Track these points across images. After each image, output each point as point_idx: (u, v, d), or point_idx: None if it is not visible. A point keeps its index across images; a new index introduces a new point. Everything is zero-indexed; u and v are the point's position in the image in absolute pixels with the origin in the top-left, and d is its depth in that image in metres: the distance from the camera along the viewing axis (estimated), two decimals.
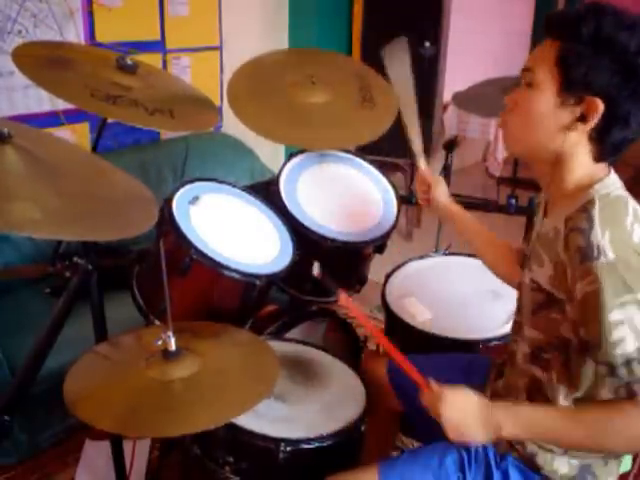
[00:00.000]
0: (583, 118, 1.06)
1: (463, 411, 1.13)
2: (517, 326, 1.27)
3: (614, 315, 1.00)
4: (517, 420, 1.12)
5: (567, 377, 1.14)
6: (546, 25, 1.09)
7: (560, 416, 1.11)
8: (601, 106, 1.03)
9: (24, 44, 1.67)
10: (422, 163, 1.63)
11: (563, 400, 1.15)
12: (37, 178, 1.11)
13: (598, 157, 1.10)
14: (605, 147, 1.09)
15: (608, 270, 0.99)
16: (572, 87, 1.05)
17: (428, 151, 3.86)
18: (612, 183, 1.10)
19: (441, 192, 1.58)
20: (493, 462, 1.24)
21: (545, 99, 1.08)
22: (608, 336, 1.01)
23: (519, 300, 1.27)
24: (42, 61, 1.49)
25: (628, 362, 1.01)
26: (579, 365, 1.10)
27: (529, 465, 1.21)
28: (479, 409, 1.13)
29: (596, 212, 1.03)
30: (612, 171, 1.13)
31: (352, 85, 1.83)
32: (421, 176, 1.61)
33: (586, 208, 1.05)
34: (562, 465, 1.18)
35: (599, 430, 1.07)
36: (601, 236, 1.01)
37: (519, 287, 1.28)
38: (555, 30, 1.07)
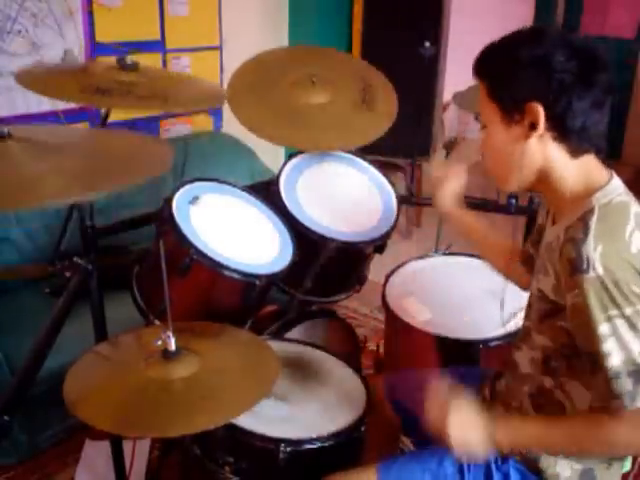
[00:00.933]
0: (533, 126, 1.10)
1: (466, 428, 1.15)
2: (525, 332, 1.27)
3: (602, 328, 1.01)
4: (510, 433, 1.15)
5: (582, 383, 1.14)
6: (473, 73, 1.19)
7: (544, 426, 1.14)
8: (539, 108, 1.08)
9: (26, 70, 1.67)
10: (434, 170, 1.64)
11: (580, 406, 1.15)
12: (46, 159, 1.12)
13: (573, 151, 1.11)
14: (572, 139, 1.10)
15: (595, 284, 1.00)
16: (509, 108, 1.12)
17: (428, 151, 3.87)
18: (614, 189, 1.10)
19: (446, 197, 1.57)
20: (494, 464, 1.23)
21: (496, 130, 1.15)
22: (598, 349, 1.02)
23: (528, 307, 1.27)
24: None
25: (617, 375, 1.02)
26: (588, 371, 1.09)
27: (531, 468, 1.21)
28: (480, 425, 1.15)
29: (593, 223, 1.03)
30: (615, 176, 1.13)
31: (353, 85, 1.83)
32: (434, 179, 1.62)
33: (585, 218, 1.05)
34: (564, 469, 1.18)
35: (579, 440, 1.11)
36: (593, 249, 1.01)
37: (529, 294, 1.28)
38: (476, 73, 1.18)
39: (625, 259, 1.01)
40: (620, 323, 1.01)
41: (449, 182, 1.58)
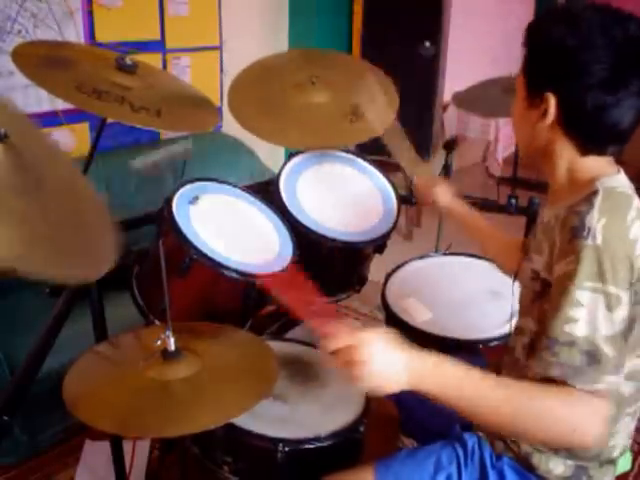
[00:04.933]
0: (545, 113, 1.10)
1: (386, 363, 1.02)
2: (517, 323, 1.28)
3: (580, 294, 0.99)
4: (440, 379, 1.03)
5: None
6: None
7: (487, 386, 1.02)
8: (552, 99, 1.07)
9: (25, 43, 1.68)
10: (416, 179, 1.66)
11: None
12: (24, 192, 0.96)
13: (583, 149, 1.11)
14: (582, 139, 1.10)
15: (590, 252, 0.99)
16: (532, 88, 1.12)
17: (428, 151, 3.87)
18: (620, 180, 1.11)
19: (442, 193, 1.59)
20: (489, 462, 1.24)
21: (519, 104, 1.17)
22: (566, 309, 0.99)
23: (520, 295, 1.27)
24: (41, 60, 1.49)
25: (571, 344, 0.98)
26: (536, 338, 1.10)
27: (524, 465, 1.20)
28: (405, 361, 1.02)
29: (598, 200, 1.03)
30: (622, 172, 1.13)
31: (353, 94, 1.82)
32: (419, 185, 1.67)
33: (589, 197, 1.05)
34: (557, 465, 1.18)
35: (513, 407, 1.00)
36: (597, 220, 1.00)
37: (520, 281, 1.28)
38: (523, 41, 1.15)
39: (623, 240, 1.01)
40: (599, 298, 0.98)
41: (440, 183, 1.59)
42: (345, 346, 1.02)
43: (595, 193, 1.05)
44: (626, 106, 1.05)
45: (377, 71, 1.91)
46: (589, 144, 1.11)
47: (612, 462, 1.21)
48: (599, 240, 0.99)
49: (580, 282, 0.99)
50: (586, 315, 0.99)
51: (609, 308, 0.99)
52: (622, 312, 1.00)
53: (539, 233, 1.19)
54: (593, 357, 0.98)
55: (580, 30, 1.04)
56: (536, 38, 1.11)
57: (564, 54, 1.05)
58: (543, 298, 1.12)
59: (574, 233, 1.01)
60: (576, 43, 1.04)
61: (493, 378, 1.03)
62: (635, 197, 1.09)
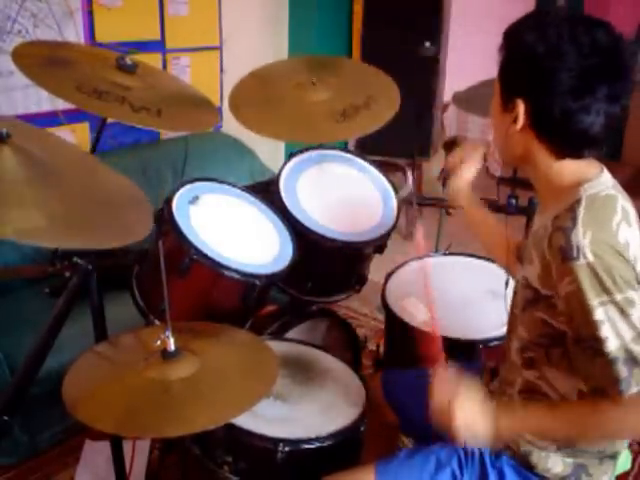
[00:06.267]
0: (516, 119, 1.11)
1: (472, 414, 1.15)
2: (511, 322, 1.28)
3: (597, 315, 1.02)
4: (513, 421, 1.15)
5: (561, 371, 1.15)
6: None
7: (548, 415, 1.14)
8: (521, 106, 1.09)
9: (25, 43, 1.68)
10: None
11: (565, 394, 1.16)
12: (36, 182, 1.09)
13: (558, 154, 1.11)
14: (554, 143, 1.10)
15: (586, 271, 1.01)
16: (505, 93, 1.13)
17: (428, 151, 3.87)
18: (603, 183, 1.10)
19: (459, 183, 1.55)
20: (488, 461, 1.24)
21: (495, 107, 1.17)
22: (599, 333, 1.02)
23: (513, 297, 1.28)
24: (41, 60, 1.50)
25: (614, 361, 1.02)
26: (577, 357, 1.11)
27: (523, 464, 1.21)
28: (485, 412, 1.15)
29: (581, 212, 1.04)
30: (605, 171, 1.13)
31: (351, 96, 1.81)
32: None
33: (572, 207, 1.06)
34: (556, 464, 1.19)
35: (582, 427, 1.11)
36: (582, 236, 1.02)
37: (515, 284, 1.28)
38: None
39: (613, 247, 1.02)
40: (611, 309, 1.01)
41: (465, 167, 1.54)
42: (440, 401, 1.16)
43: (578, 202, 1.06)
44: (594, 112, 1.05)
45: (380, 73, 1.90)
46: (562, 149, 1.11)
47: (613, 457, 1.21)
48: (590, 257, 1.00)
49: (591, 303, 1.01)
50: (610, 329, 1.02)
51: (624, 314, 1.01)
52: (638, 312, 1.02)
53: (529, 241, 1.20)
54: (634, 361, 1.02)
55: (549, 38, 1.05)
56: (510, 43, 1.12)
57: (533, 61, 1.06)
58: (535, 307, 1.14)
59: (564, 254, 1.03)
60: (545, 51, 1.05)
61: (560, 411, 1.14)
62: (619, 196, 1.09)
